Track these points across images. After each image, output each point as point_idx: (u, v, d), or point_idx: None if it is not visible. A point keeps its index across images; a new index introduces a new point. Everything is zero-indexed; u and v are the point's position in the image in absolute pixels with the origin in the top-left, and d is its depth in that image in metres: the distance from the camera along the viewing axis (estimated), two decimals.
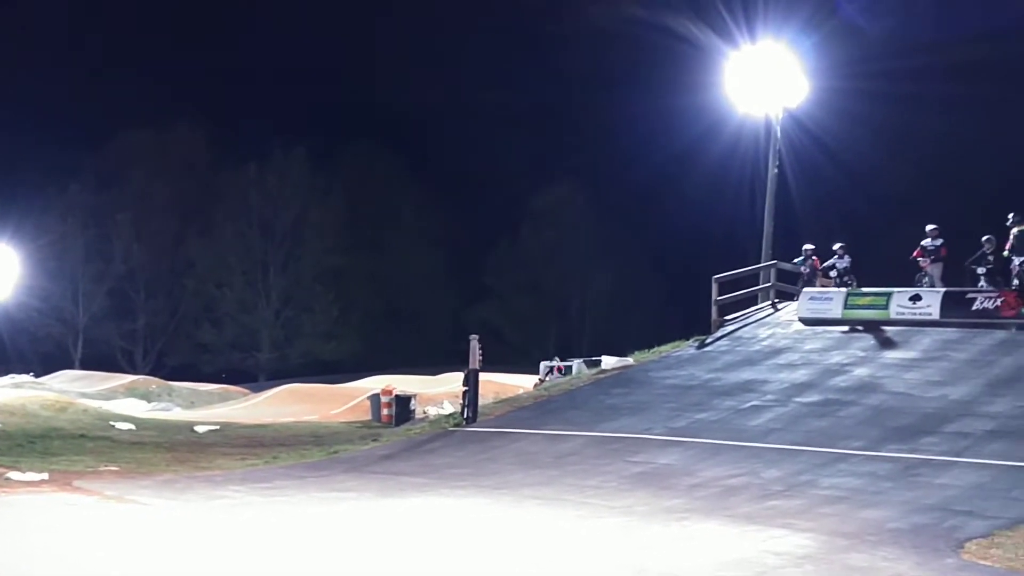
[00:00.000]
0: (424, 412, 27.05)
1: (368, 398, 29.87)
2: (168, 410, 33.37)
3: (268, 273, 65.82)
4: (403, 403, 27.10)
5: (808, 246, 24.85)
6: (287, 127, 65.74)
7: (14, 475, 13.94)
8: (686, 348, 23.10)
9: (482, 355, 19.80)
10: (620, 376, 21.68)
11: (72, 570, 8.48)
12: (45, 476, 14.08)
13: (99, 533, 10.30)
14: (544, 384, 26.25)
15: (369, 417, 28.42)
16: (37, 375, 43.07)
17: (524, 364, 41.84)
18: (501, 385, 29.32)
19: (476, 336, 19.90)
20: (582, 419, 18.15)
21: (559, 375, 27.79)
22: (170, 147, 66.19)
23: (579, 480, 13.55)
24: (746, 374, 19.77)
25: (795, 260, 25.21)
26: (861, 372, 18.82)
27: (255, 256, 65.56)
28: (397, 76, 70.16)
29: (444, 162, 68.79)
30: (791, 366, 19.90)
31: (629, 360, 23.00)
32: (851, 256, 24.16)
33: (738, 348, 22.07)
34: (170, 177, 65.29)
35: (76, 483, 13.60)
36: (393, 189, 69.89)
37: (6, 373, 42.59)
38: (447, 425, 19.72)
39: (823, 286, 23.99)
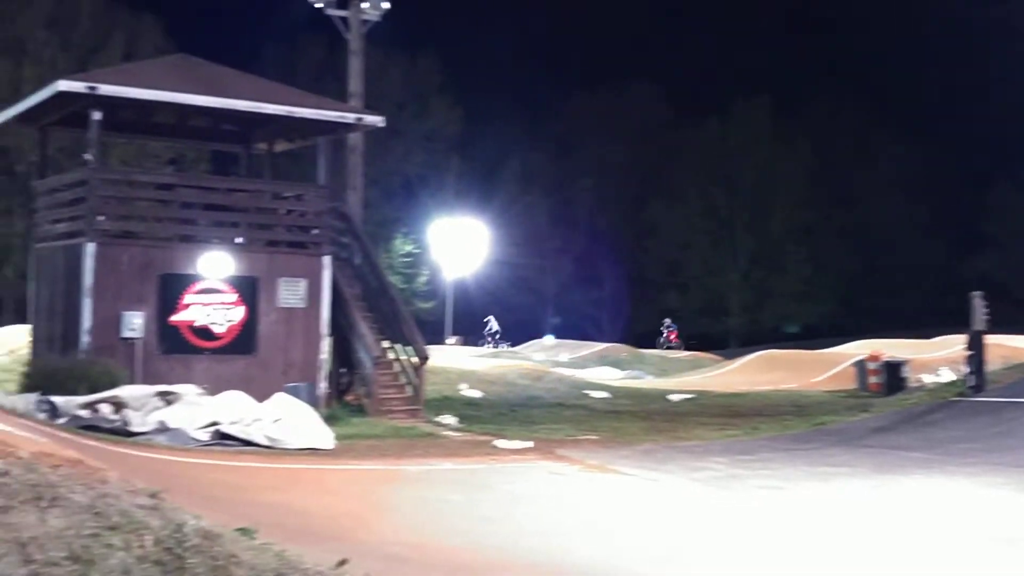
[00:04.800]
0: (918, 380, 25.93)
1: (853, 364, 29.10)
2: (640, 378, 34.71)
3: (734, 232, 66.09)
4: (894, 370, 26.09)
5: None
6: (746, 78, 65.53)
7: (501, 443, 15.17)
8: None
9: (988, 314, 18.65)
10: None
11: (574, 541, 9.03)
12: (529, 444, 15.17)
13: (588, 503, 10.95)
14: None
15: (854, 385, 27.71)
16: (513, 344, 46.49)
17: None
18: (1011, 348, 27.21)
19: (979, 293, 18.79)
20: None
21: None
22: (627, 107, 68.27)
23: None
24: None
25: None
26: None
27: (720, 215, 66.10)
28: (857, 15, 67.20)
29: (918, 99, 64.81)
30: None
31: None
32: None
33: None
34: (628, 139, 67.44)
35: (558, 451, 14.48)
36: (864, 135, 67.15)
37: (481, 343, 46.45)
38: (948, 394, 19.02)
39: None
